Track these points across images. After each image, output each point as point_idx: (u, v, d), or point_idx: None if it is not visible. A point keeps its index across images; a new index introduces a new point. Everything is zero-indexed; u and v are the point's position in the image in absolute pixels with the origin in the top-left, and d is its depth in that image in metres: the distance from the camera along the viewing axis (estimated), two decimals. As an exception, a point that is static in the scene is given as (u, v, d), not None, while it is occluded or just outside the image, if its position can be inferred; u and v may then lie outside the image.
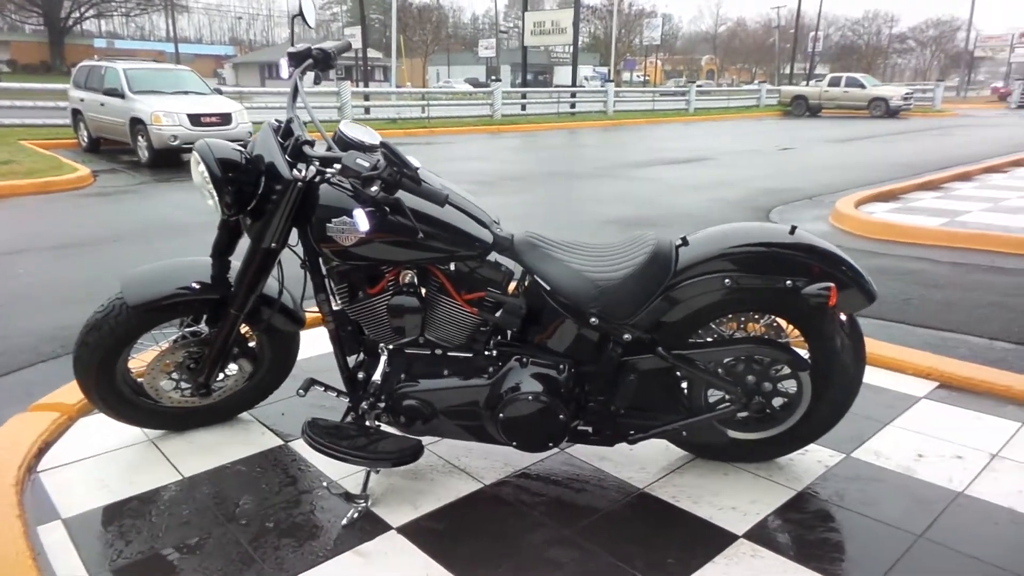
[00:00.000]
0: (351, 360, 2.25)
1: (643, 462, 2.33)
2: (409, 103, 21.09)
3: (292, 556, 1.88)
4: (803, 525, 2.01)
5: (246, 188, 2.04)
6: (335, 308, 2.19)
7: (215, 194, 2.02)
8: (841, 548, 1.91)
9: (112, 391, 2.33)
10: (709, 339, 2.17)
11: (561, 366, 2.09)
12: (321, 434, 2.08)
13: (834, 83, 25.97)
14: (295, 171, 1.99)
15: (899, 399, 2.76)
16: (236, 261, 2.36)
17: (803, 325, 2.08)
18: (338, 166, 1.86)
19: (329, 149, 2.02)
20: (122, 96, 10.72)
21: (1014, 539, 1.93)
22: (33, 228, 6.42)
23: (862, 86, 25.27)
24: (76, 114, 12.16)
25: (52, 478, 2.25)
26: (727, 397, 2.13)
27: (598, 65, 53.61)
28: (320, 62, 2.25)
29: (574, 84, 25.03)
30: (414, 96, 22.11)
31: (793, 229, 2.05)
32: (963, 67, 44.22)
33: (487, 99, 22.04)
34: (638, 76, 58.29)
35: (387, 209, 1.95)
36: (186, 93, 11.27)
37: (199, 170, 2.05)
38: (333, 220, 1.96)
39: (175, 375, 2.40)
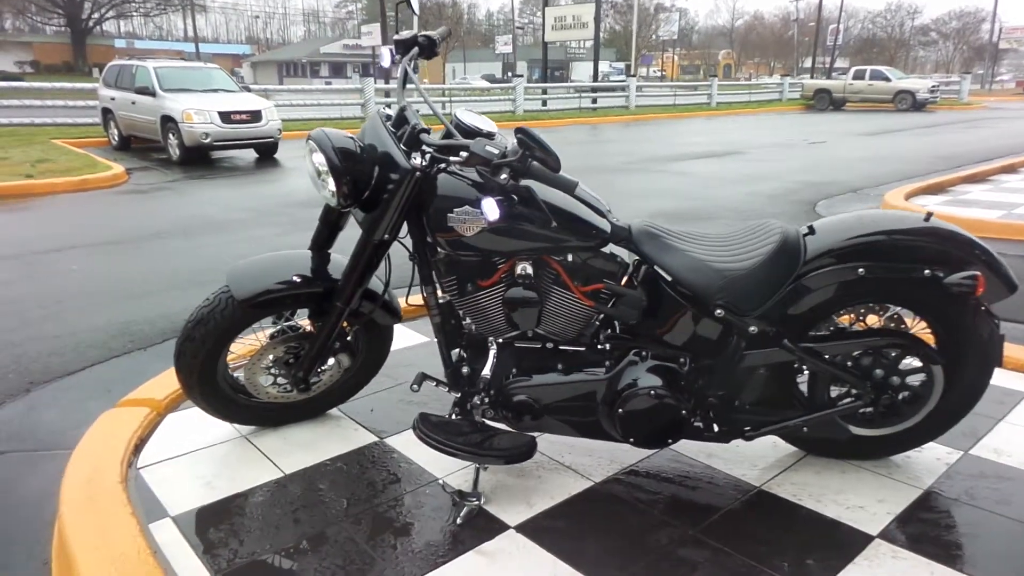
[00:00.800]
0: (453, 354, 2.19)
1: (753, 459, 2.26)
2: (432, 100, 21.09)
3: (412, 555, 1.82)
4: (939, 524, 1.92)
5: (361, 178, 1.99)
6: (440, 301, 2.14)
7: (332, 184, 1.96)
8: (984, 548, 1.83)
9: (213, 387, 2.29)
10: (827, 332, 2.09)
11: (681, 359, 2.02)
12: (433, 429, 2.03)
13: (858, 76, 25.62)
14: (412, 160, 1.93)
15: (1006, 395, 2.66)
16: (335, 255, 2.32)
17: (935, 316, 1.99)
18: (464, 154, 1.80)
19: (447, 136, 1.96)
20: (153, 94, 10.74)
21: None
22: (75, 225, 6.43)
23: (887, 79, 24.92)
24: (106, 113, 12.21)
25: (152, 475, 2.21)
26: (853, 392, 2.04)
27: (615, 60, 53.31)
28: (426, 49, 2.21)
29: (596, 79, 24.88)
30: (434, 93, 22.08)
31: (928, 216, 1.96)
32: (987, 59, 43.63)
33: (508, 94, 21.97)
34: (655, 71, 57.92)
35: (515, 198, 1.88)
36: (216, 91, 11.29)
37: (315, 159, 2.00)
38: (455, 210, 1.90)
39: (274, 370, 2.35)
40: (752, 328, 1.95)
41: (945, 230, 1.94)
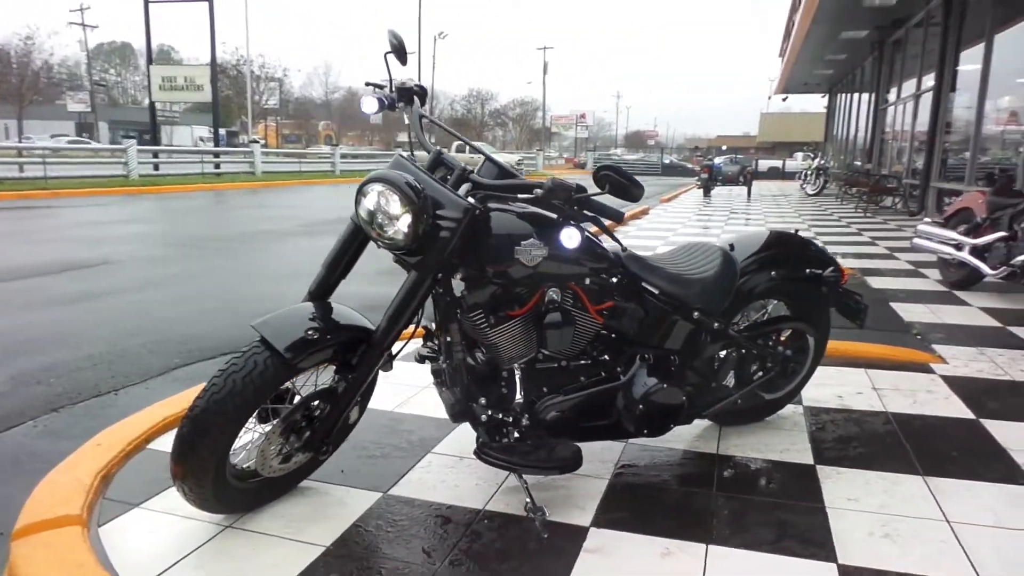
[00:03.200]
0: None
1: (688, 438, 2.77)
2: (18, 160, 17.70)
3: (543, 571, 1.88)
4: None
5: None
6: (449, 340, 2.20)
7: (406, 223, 1.92)
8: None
9: (224, 471, 1.95)
10: (744, 323, 2.75)
11: (672, 357, 2.46)
12: (502, 453, 2.10)
13: (460, 150, 29.30)
14: (468, 199, 2.02)
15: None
16: (336, 304, 2.19)
17: (801, 303, 2.79)
18: (538, 191, 1.99)
19: (500, 176, 2.11)
20: None
21: None
22: None
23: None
24: None
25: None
26: (769, 364, 2.72)
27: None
28: (422, 97, 2.30)
29: (217, 143, 23.69)
30: (8, 152, 18.59)
31: (796, 231, 2.78)
32: (543, 139, 54.23)
33: (118, 157, 19.60)
34: (254, 138, 57.06)
35: (578, 226, 2.11)
36: None
37: (382, 199, 1.93)
38: (523, 243, 2.04)
39: (286, 439, 2.07)
40: (715, 324, 2.50)
41: (807, 240, 2.78)
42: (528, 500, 2.08)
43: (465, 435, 2.74)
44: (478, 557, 1.96)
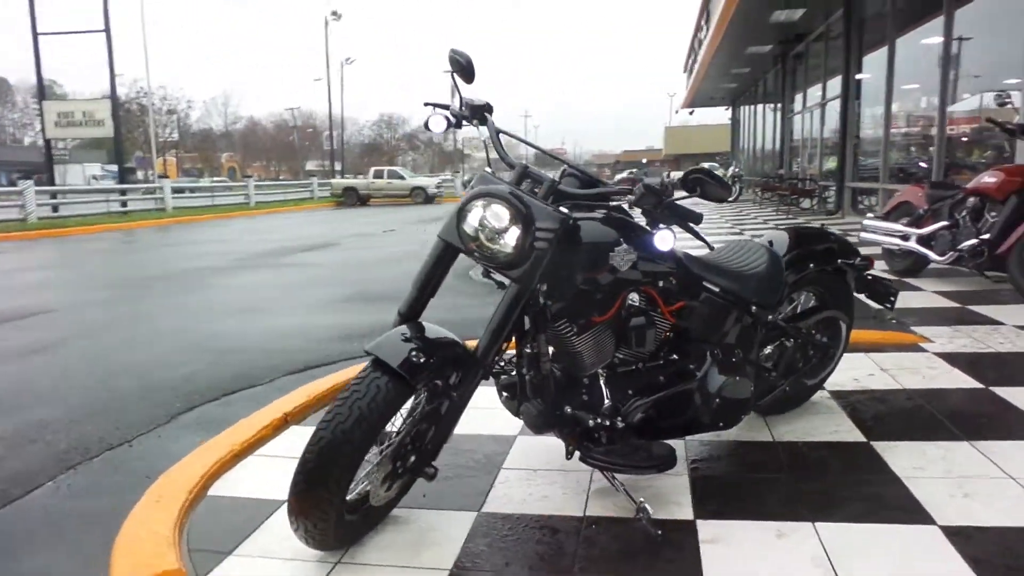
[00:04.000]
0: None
1: (732, 432, 2.88)
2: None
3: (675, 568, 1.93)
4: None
5: None
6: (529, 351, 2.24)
7: (514, 237, 1.93)
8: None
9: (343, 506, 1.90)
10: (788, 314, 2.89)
11: (737, 351, 2.56)
12: (608, 456, 2.14)
13: (378, 175, 29.07)
14: (561, 209, 2.06)
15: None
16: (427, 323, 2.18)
17: (833, 292, 2.97)
18: (630, 197, 2.06)
19: (583, 185, 2.16)
20: None
21: None
22: None
23: (402, 177, 28.92)
24: None
25: None
26: (811, 352, 2.87)
27: (107, 163, 48.44)
28: (491, 111, 2.33)
29: (122, 180, 22.51)
30: None
31: (823, 226, 2.95)
32: (456, 162, 54.46)
33: (13, 200, 18.32)
34: (151, 174, 54.66)
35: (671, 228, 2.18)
36: None
37: (490, 212, 1.93)
38: (616, 248, 2.10)
39: (392, 464, 2.03)
40: (769, 317, 2.63)
41: (832, 233, 2.96)
42: (638, 501, 2.12)
43: (530, 448, 2.76)
44: (604, 560, 1.98)
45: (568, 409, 2.30)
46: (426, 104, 2.42)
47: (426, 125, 2.41)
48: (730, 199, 15.99)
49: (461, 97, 2.33)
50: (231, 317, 6.02)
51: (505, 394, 2.42)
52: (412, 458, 2.08)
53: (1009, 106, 5.42)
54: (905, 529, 2.03)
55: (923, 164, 8.82)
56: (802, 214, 13.79)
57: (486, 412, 2.86)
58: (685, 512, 2.21)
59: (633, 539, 2.08)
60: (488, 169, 2.22)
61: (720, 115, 36.76)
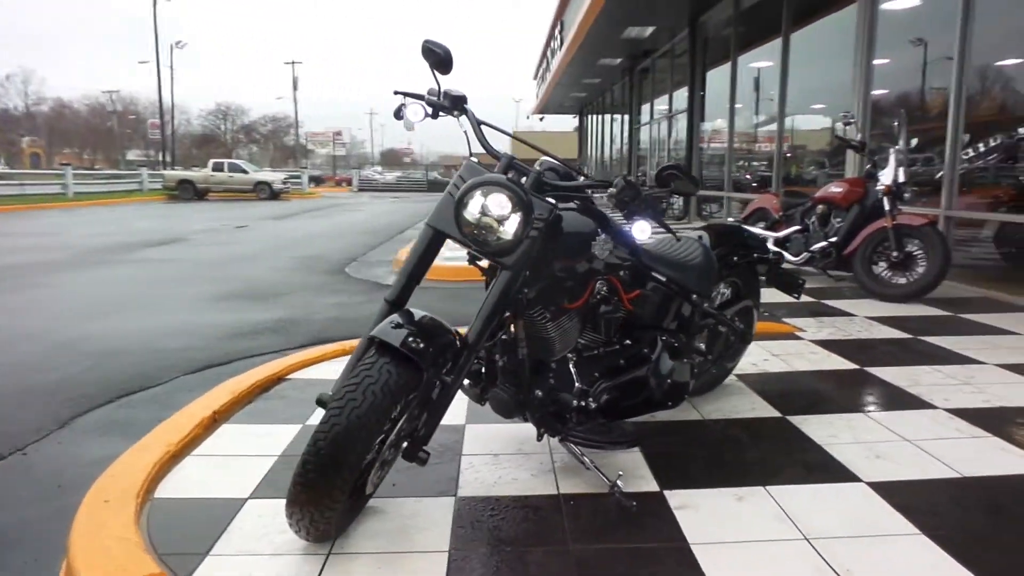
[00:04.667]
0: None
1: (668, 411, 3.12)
2: None
3: (660, 535, 2.08)
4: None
5: None
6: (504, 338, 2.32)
7: (515, 224, 1.98)
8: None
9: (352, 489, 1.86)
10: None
11: (681, 336, 2.78)
12: (590, 434, 2.28)
13: (218, 168, 27.26)
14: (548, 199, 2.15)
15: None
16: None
17: (747, 283, 3.29)
18: (612, 190, 2.19)
19: (562, 178, 2.25)
20: None
21: None
22: None
23: (245, 171, 27.32)
24: None
25: None
26: (732, 337, 3.17)
27: None
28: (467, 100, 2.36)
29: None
30: None
31: (740, 223, 3.26)
32: (298, 157, 52.17)
33: None
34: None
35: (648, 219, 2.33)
36: None
37: (491, 201, 1.96)
38: (598, 238, 2.22)
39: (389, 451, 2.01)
40: (706, 305, 2.88)
41: (749, 230, 3.28)
42: (613, 477, 2.26)
43: (483, 434, 2.83)
44: (592, 532, 2.10)
45: (539, 393, 2.39)
46: (396, 93, 2.41)
47: (397, 115, 2.41)
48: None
49: (440, 88, 2.34)
50: (99, 317, 5.49)
51: (468, 382, 2.47)
52: (405, 443, 2.07)
53: (853, 125, 6.22)
54: (840, 487, 2.34)
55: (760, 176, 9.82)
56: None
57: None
58: (651, 485, 2.38)
59: (612, 511, 2.22)
60: (473, 159, 2.26)
61: (566, 122, 38.41)
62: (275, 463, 2.56)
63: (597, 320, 2.45)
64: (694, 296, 2.79)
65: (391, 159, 79.63)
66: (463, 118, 2.36)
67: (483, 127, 2.35)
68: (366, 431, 1.81)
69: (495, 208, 2.01)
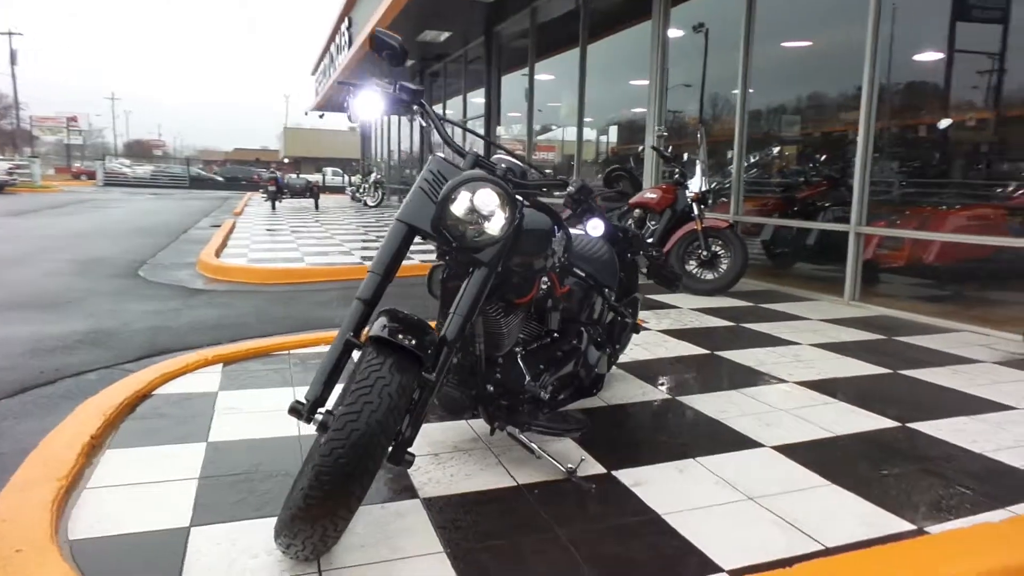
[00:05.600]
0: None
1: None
2: None
3: (616, 514, 2.22)
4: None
5: None
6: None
7: (502, 218, 1.98)
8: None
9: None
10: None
11: (598, 328, 2.95)
12: (551, 422, 2.37)
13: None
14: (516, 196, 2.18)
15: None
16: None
17: (631, 278, 3.56)
18: (571, 189, 2.29)
19: (524, 176, 2.29)
20: None
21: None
22: None
23: (-43, 158, 22.85)
24: None
25: None
26: (626, 328, 3.41)
27: None
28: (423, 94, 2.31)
29: None
30: None
31: (630, 226, 3.52)
32: (19, 144, 44.23)
33: None
34: None
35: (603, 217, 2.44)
36: None
37: (478, 198, 1.95)
38: (556, 235, 2.29)
39: None
40: (613, 297, 3.09)
41: (631, 228, 3.56)
42: (572, 463, 2.39)
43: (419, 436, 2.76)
44: (568, 516, 2.18)
45: (490, 388, 2.42)
46: (341, 83, 2.29)
47: (341, 107, 2.30)
48: (373, 204, 16.65)
49: (397, 81, 2.27)
50: None
51: None
52: (389, 448, 1.99)
53: (663, 137, 6.97)
54: (752, 452, 2.68)
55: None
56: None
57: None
58: (597, 468, 2.53)
59: (576, 495, 2.32)
60: (440, 155, 2.22)
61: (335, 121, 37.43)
62: (200, 486, 2.29)
63: (542, 314, 2.55)
64: (606, 290, 2.99)
65: (138, 151, 71.27)
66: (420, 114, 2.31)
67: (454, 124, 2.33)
68: (385, 435, 1.73)
69: (485, 204, 2.02)
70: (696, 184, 6.18)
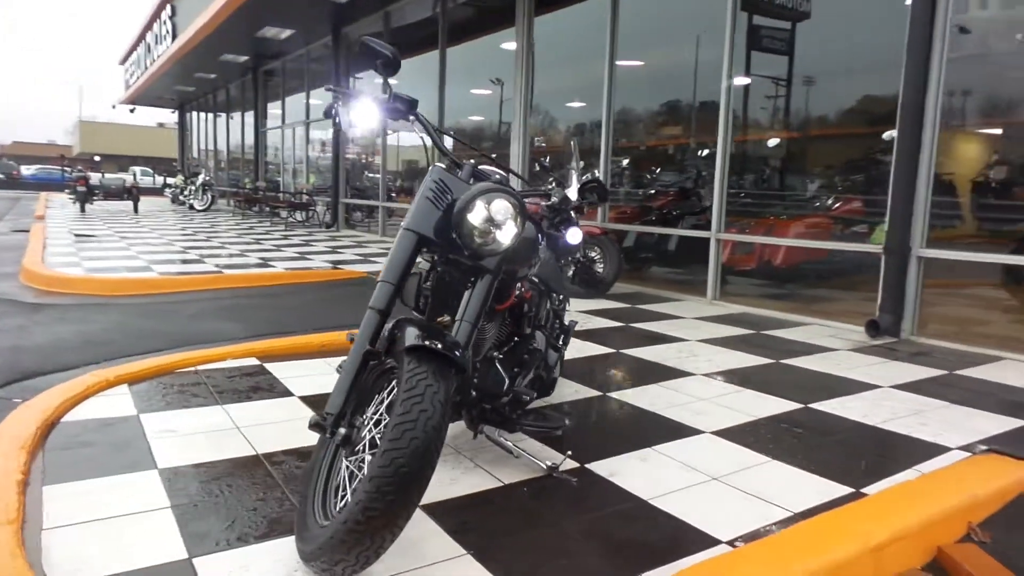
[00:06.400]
0: None
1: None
2: None
3: (606, 503, 2.37)
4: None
5: None
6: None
7: (513, 228, 2.04)
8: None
9: None
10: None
11: (552, 330, 3.07)
12: (537, 420, 2.51)
13: None
14: None
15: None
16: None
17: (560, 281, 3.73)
18: (554, 200, 2.40)
19: (508, 185, 2.36)
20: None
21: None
22: None
23: None
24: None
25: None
26: (568, 324, 3.56)
27: None
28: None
29: None
30: None
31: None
32: None
33: None
34: None
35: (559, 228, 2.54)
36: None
37: (493, 207, 1.99)
38: (540, 243, 2.39)
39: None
40: (557, 302, 3.24)
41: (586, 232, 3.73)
42: (553, 460, 2.50)
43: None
44: (563, 509, 2.30)
45: (473, 392, 2.48)
46: (329, 89, 2.24)
47: (328, 114, 2.26)
48: (201, 208, 15.66)
49: (391, 90, 2.26)
50: None
51: None
52: None
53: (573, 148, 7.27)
54: (696, 439, 2.95)
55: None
56: (299, 227, 14.42)
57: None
58: (570, 463, 2.66)
59: (563, 489, 2.44)
60: (440, 164, 2.23)
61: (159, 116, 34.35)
62: (179, 515, 2.12)
63: (517, 319, 2.64)
64: (553, 295, 3.14)
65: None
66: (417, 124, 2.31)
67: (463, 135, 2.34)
68: (440, 442, 1.74)
69: (499, 214, 2.07)
70: (574, 192, 6.51)
